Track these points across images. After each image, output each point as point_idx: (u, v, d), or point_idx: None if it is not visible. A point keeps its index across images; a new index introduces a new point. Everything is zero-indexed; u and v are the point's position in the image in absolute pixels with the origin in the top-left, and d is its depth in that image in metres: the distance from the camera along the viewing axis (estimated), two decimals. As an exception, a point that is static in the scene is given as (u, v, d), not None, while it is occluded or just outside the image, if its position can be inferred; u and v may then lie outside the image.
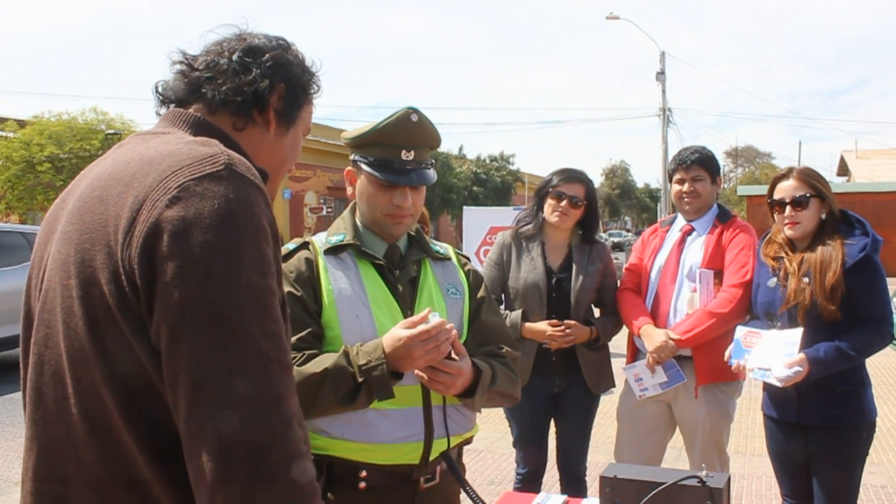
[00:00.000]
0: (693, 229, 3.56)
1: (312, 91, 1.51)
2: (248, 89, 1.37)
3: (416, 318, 1.90)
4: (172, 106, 1.42)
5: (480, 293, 2.26)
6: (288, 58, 1.44)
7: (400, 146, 2.08)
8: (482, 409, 2.21)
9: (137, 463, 1.14)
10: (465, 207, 13.18)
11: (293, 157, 1.51)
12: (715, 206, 3.60)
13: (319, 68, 1.52)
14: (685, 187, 3.55)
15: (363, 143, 2.13)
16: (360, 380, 1.88)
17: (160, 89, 1.44)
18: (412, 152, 2.09)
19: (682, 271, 3.51)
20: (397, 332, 1.89)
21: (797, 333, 2.90)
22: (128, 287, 1.11)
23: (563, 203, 3.53)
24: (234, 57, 1.39)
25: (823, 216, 3.04)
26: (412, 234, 2.24)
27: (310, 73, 1.50)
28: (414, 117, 2.08)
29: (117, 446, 1.15)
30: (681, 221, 3.63)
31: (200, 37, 1.46)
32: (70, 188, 1.35)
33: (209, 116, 1.37)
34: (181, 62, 1.42)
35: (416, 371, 1.93)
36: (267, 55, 1.41)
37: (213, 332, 1.08)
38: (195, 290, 1.08)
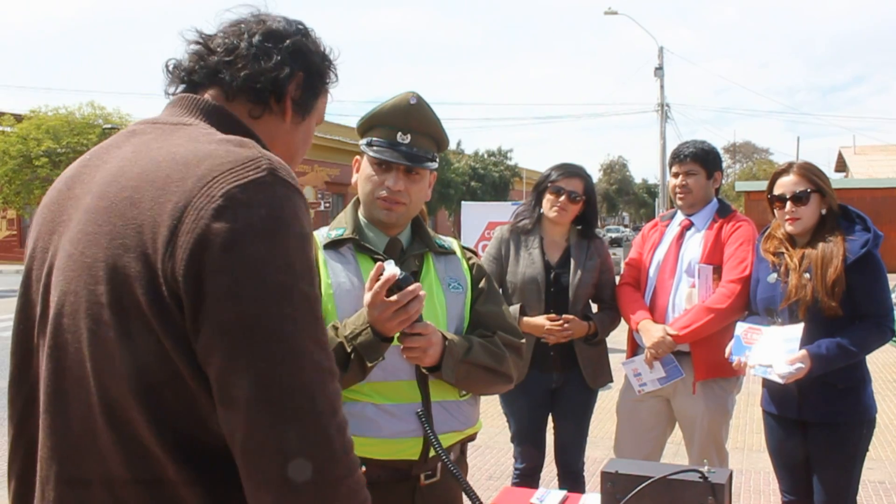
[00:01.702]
0: (692, 224, 3.55)
1: (329, 80, 1.45)
2: (268, 76, 1.31)
3: (372, 273, 1.89)
4: (183, 87, 1.36)
5: (481, 285, 2.24)
6: (308, 44, 1.38)
7: (396, 128, 2.10)
8: (478, 396, 2.19)
9: (166, 469, 1.11)
10: (463, 203, 13.19)
11: (304, 147, 1.46)
12: (715, 200, 3.59)
13: (337, 56, 1.47)
14: (678, 181, 3.54)
15: (367, 125, 2.16)
16: (349, 350, 1.89)
17: (171, 67, 1.37)
18: (408, 136, 2.10)
19: (680, 266, 3.50)
20: (364, 296, 1.90)
21: (798, 329, 2.89)
22: (169, 299, 1.07)
23: (562, 198, 3.53)
24: (255, 40, 1.32)
25: (823, 212, 3.03)
26: (416, 228, 2.23)
27: (328, 62, 1.44)
28: (412, 100, 2.11)
29: (144, 455, 1.11)
30: (680, 216, 3.62)
31: (216, 15, 1.39)
32: (75, 175, 1.29)
33: (226, 103, 1.32)
34: (197, 42, 1.35)
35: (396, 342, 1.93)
36: (288, 41, 1.35)
37: (271, 349, 1.06)
38: (251, 305, 1.06)
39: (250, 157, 1.13)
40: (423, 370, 2.01)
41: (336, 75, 1.47)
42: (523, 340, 2.23)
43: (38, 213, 1.31)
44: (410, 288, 1.85)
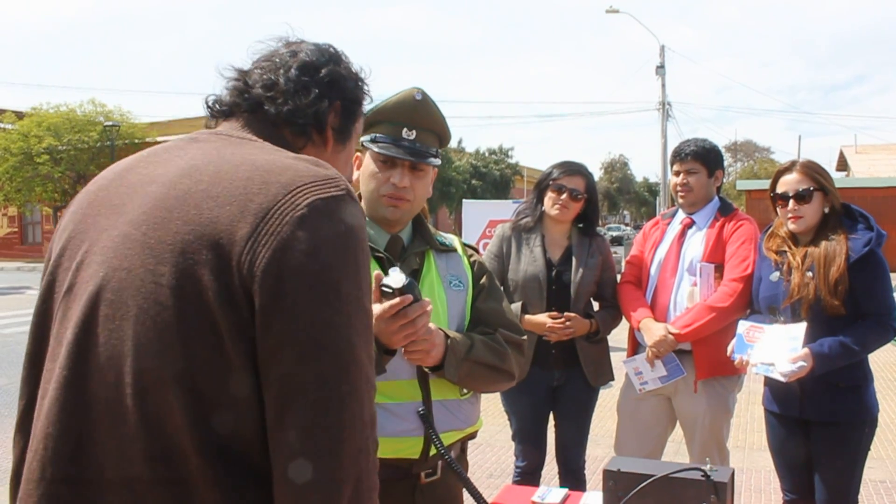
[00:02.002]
0: (693, 222, 3.54)
1: (365, 102, 1.51)
2: (309, 111, 1.37)
3: (374, 286, 1.83)
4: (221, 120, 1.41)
5: (482, 282, 2.23)
6: (341, 72, 1.43)
7: (402, 124, 2.09)
8: (479, 395, 2.18)
9: (189, 464, 1.11)
10: (464, 200, 13.16)
11: (346, 170, 1.49)
12: (716, 198, 3.58)
13: (369, 74, 1.51)
14: (680, 179, 3.54)
15: (370, 121, 2.13)
16: None
17: (210, 103, 1.43)
18: (413, 132, 2.09)
19: (682, 265, 3.49)
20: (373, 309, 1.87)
21: (801, 328, 2.89)
22: (239, 289, 1.10)
23: (564, 196, 3.52)
24: (292, 75, 1.38)
25: (826, 210, 3.02)
26: (417, 225, 2.21)
27: (361, 84, 1.49)
28: (418, 96, 2.10)
29: (170, 446, 1.11)
30: (682, 214, 3.61)
31: (248, 48, 1.45)
32: (129, 167, 1.31)
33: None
34: (235, 79, 1.41)
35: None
36: (323, 71, 1.40)
37: (339, 355, 1.11)
38: (326, 312, 1.11)
39: (330, 175, 1.20)
40: (426, 369, 2.00)
41: (370, 96, 1.52)
42: (525, 337, 2.22)
43: (83, 197, 1.33)
44: (421, 301, 1.82)
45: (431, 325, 1.94)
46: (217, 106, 1.41)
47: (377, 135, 2.10)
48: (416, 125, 2.09)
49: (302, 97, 1.36)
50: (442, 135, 2.17)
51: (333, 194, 1.16)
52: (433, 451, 1.99)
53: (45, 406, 1.18)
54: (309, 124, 1.37)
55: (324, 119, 1.39)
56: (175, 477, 1.11)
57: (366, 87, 1.50)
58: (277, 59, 1.40)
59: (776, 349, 2.91)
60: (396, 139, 2.08)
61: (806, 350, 2.85)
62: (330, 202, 1.15)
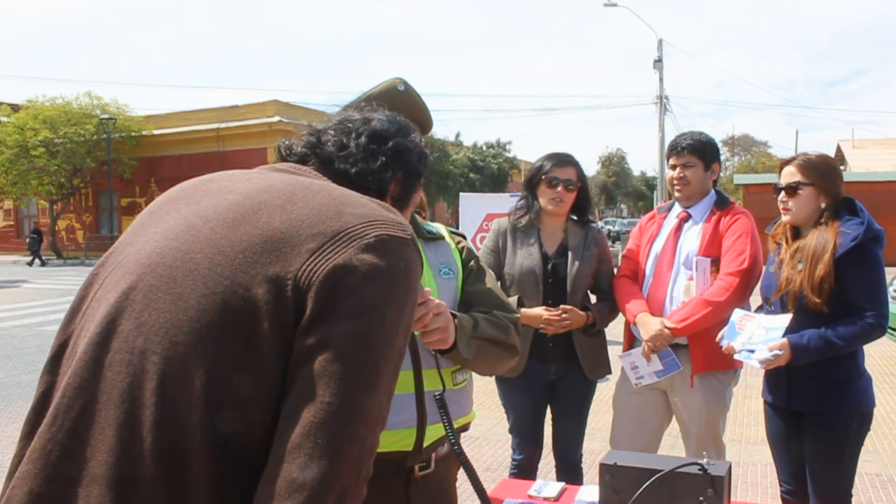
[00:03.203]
0: (690, 216, 3.53)
1: (425, 174, 1.62)
2: (374, 178, 1.49)
3: None
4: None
5: (470, 265, 2.21)
6: (408, 145, 1.57)
7: None
8: (471, 385, 2.17)
9: (191, 462, 1.12)
10: (461, 194, 13.16)
11: None
12: (713, 192, 3.56)
13: (432, 153, 1.62)
14: (676, 173, 3.53)
15: None
16: None
17: (284, 150, 1.55)
18: None
19: (678, 259, 3.48)
20: None
21: (785, 319, 2.92)
22: (291, 293, 1.16)
23: (559, 188, 3.51)
24: (361, 141, 1.51)
25: (823, 205, 3.02)
26: None
27: (424, 158, 1.61)
28: (400, 87, 2.09)
29: (180, 433, 1.12)
30: (678, 208, 3.60)
31: (328, 117, 1.59)
32: (211, 178, 1.41)
33: None
34: (310, 134, 1.54)
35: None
36: (390, 142, 1.53)
37: (364, 373, 1.15)
38: (367, 331, 1.16)
39: (400, 220, 1.30)
40: (432, 352, 1.96)
41: (431, 169, 1.63)
42: (518, 315, 2.20)
43: (164, 194, 1.43)
44: (422, 290, 1.78)
45: (442, 302, 1.90)
46: (288, 153, 1.53)
47: None
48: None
49: (369, 163, 1.49)
50: (424, 124, 2.16)
51: (400, 235, 1.25)
52: (426, 443, 1.99)
53: (73, 358, 1.22)
54: (372, 189, 1.47)
55: (385, 188, 1.51)
56: (174, 471, 1.12)
57: (429, 162, 1.63)
58: (350, 125, 1.54)
59: (759, 337, 2.95)
60: None
61: (784, 340, 2.88)
62: (396, 240, 1.24)
